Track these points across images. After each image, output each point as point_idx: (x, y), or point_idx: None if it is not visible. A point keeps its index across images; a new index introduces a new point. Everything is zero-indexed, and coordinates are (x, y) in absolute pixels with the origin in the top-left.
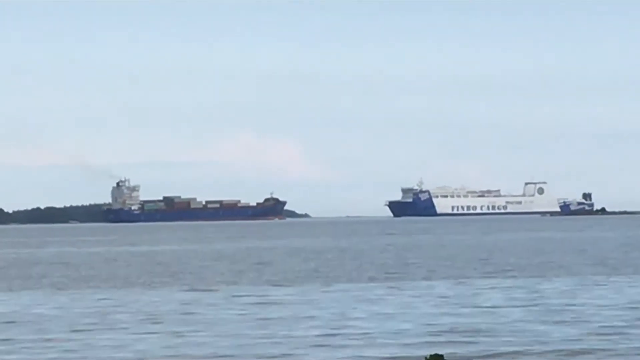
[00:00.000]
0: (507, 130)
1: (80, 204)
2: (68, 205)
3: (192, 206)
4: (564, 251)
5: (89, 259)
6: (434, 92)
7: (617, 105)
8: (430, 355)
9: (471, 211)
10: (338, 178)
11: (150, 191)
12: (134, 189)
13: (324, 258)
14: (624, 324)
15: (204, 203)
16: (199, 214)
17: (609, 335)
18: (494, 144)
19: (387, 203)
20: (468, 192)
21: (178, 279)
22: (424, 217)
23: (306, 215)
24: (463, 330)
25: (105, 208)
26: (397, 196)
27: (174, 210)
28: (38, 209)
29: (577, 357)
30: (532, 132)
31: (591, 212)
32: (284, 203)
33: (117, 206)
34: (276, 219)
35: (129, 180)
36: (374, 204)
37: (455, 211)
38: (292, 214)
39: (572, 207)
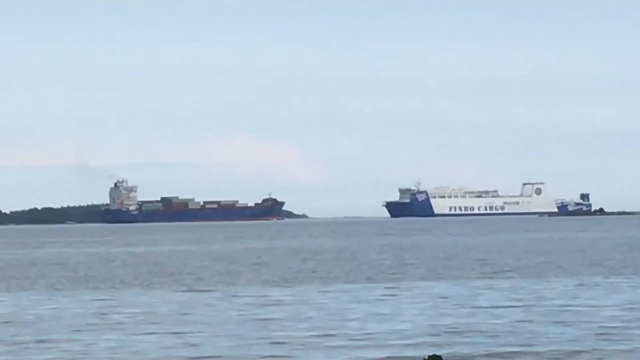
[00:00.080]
0: (505, 130)
1: (77, 205)
2: (65, 205)
3: (190, 207)
4: (563, 252)
5: (86, 260)
6: (433, 92)
7: (615, 105)
8: (429, 356)
9: (469, 212)
10: (336, 178)
11: (148, 192)
12: (132, 189)
13: (322, 258)
14: (623, 324)
15: (201, 203)
16: (196, 215)
17: (608, 335)
18: (491, 145)
19: (385, 203)
20: (466, 192)
21: (176, 280)
22: (422, 217)
23: (304, 216)
24: (461, 331)
25: (102, 208)
26: (395, 197)
27: (172, 210)
28: (35, 209)
29: (577, 357)
30: (529, 132)
31: (589, 213)
32: (282, 203)
33: (114, 207)
34: (274, 220)
35: (126, 181)
36: (372, 205)
37: (452, 212)
38: (290, 215)
39: (570, 208)
